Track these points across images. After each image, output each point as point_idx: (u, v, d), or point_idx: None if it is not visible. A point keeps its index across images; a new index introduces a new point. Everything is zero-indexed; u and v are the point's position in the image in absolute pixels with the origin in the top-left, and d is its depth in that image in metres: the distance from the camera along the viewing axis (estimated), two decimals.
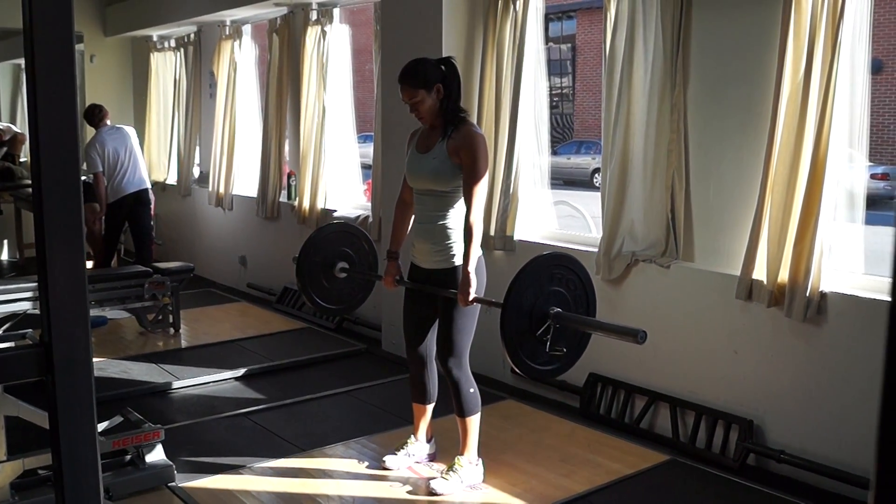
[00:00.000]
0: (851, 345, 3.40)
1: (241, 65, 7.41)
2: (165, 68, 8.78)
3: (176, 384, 4.84)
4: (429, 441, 3.76)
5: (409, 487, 3.53)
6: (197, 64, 8.09)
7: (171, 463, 3.55)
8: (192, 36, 8.14)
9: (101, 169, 6.32)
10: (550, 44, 20.56)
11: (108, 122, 6.57)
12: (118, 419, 3.61)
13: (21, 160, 8.64)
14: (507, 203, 4.76)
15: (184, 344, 5.76)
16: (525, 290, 2.95)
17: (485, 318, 3.58)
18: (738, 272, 3.72)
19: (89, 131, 6.66)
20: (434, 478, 3.52)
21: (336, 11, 6.25)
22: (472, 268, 3.24)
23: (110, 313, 5.91)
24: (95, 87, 8.86)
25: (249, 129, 7.49)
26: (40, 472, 3.24)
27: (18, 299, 5.16)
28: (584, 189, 14.87)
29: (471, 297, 3.24)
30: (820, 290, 3.46)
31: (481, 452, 3.57)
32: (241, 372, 5.05)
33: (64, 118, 1.10)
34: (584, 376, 4.38)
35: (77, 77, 1.15)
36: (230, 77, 7.42)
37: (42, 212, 1.10)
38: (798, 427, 3.61)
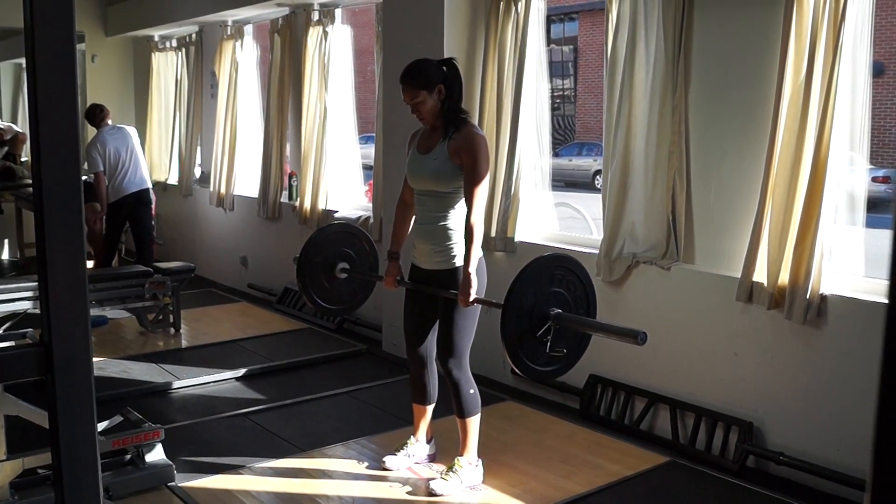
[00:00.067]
0: (851, 347, 3.40)
1: (242, 65, 7.41)
2: (167, 68, 8.78)
3: (176, 384, 4.84)
4: (429, 442, 3.76)
5: (408, 488, 3.53)
6: (198, 64, 8.09)
7: (170, 463, 3.55)
8: (194, 36, 8.14)
9: (102, 169, 6.33)
10: (552, 45, 20.55)
11: (110, 122, 6.58)
12: (118, 419, 3.62)
13: (22, 160, 8.65)
14: (508, 204, 4.76)
15: (184, 344, 5.76)
16: (525, 290, 2.95)
17: (485, 319, 3.58)
18: (738, 274, 3.72)
19: (90, 131, 6.67)
20: (434, 478, 3.52)
21: (338, 12, 6.25)
22: (472, 269, 3.24)
23: (111, 313, 5.92)
24: (97, 87, 8.86)
25: (251, 130, 7.49)
26: (40, 471, 3.24)
27: (19, 298, 5.16)
28: (585, 191, 14.88)
29: (471, 298, 3.24)
30: (820, 292, 3.46)
31: (481, 453, 3.57)
32: (241, 372, 5.05)
33: (65, 118, 1.10)
34: (584, 378, 4.38)
35: (78, 77, 1.16)
36: (232, 77, 7.43)
37: (42, 211, 1.11)
38: (798, 429, 3.60)
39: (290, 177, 6.88)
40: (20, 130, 8.94)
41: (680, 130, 3.97)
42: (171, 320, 5.90)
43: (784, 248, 3.53)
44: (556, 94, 21.79)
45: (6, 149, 8.59)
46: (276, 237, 6.99)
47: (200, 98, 8.12)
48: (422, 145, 3.43)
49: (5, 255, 8.91)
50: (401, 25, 5.25)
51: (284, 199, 6.93)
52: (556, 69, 21.44)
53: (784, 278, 3.54)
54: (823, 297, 3.47)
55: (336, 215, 6.19)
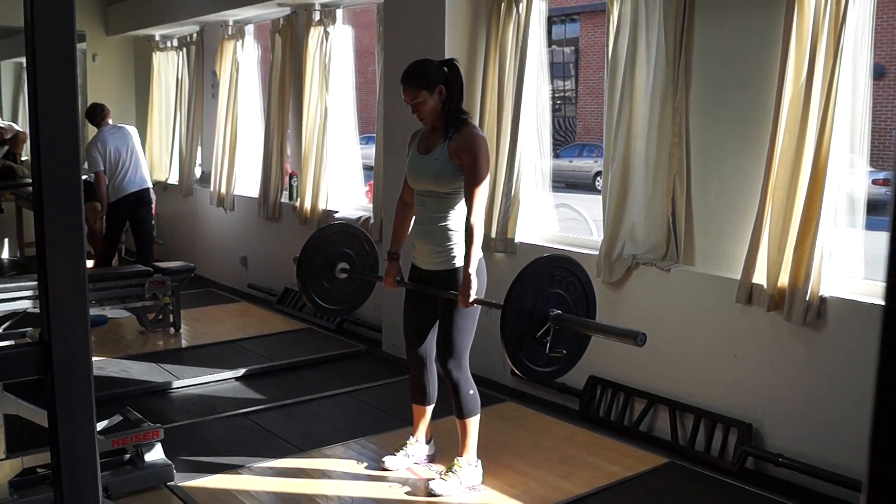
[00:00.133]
0: (851, 349, 3.40)
1: (243, 65, 7.41)
2: (168, 68, 8.79)
3: (176, 384, 4.84)
4: (428, 442, 3.76)
5: (407, 488, 3.53)
6: (199, 64, 8.09)
7: (170, 462, 3.55)
8: (195, 36, 8.14)
9: (102, 168, 6.33)
10: (553, 47, 20.55)
11: (110, 122, 6.58)
12: (117, 418, 3.62)
13: (23, 159, 8.65)
14: (508, 205, 4.76)
15: (184, 343, 5.76)
16: (525, 291, 2.95)
17: (485, 320, 3.58)
18: (738, 276, 3.72)
19: (91, 130, 6.67)
20: (433, 479, 3.52)
21: (339, 12, 6.25)
22: (472, 269, 3.24)
23: (111, 312, 5.92)
24: (97, 87, 8.86)
25: (251, 130, 7.49)
26: (39, 470, 3.24)
27: (18, 298, 5.16)
28: (586, 192, 14.88)
29: (471, 299, 3.24)
30: (820, 294, 3.47)
31: (480, 454, 3.57)
32: (241, 372, 5.05)
33: (65, 117, 1.11)
34: (583, 379, 4.38)
35: (79, 76, 1.16)
36: (232, 77, 7.43)
37: (42, 211, 1.11)
38: (797, 431, 3.60)
39: (291, 177, 6.88)
40: (20, 129, 8.94)
41: (680, 132, 3.97)
42: (171, 320, 5.90)
43: (784, 250, 3.53)
44: (556, 95, 21.78)
45: (6, 148, 8.59)
46: (277, 237, 6.99)
47: (201, 98, 8.12)
48: (422, 146, 3.43)
49: (5, 254, 8.91)
50: (402, 26, 5.25)
51: (285, 199, 6.93)
52: (557, 70, 21.43)
53: (784, 280, 3.55)
54: (823, 299, 3.47)
55: (336, 215, 6.19)
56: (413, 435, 3.73)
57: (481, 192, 3.29)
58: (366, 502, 3.44)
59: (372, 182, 6.13)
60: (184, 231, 8.47)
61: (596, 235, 5.50)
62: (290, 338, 5.90)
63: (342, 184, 6.43)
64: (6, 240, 8.82)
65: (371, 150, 6.13)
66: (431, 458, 3.75)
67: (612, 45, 4.18)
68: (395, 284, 3.61)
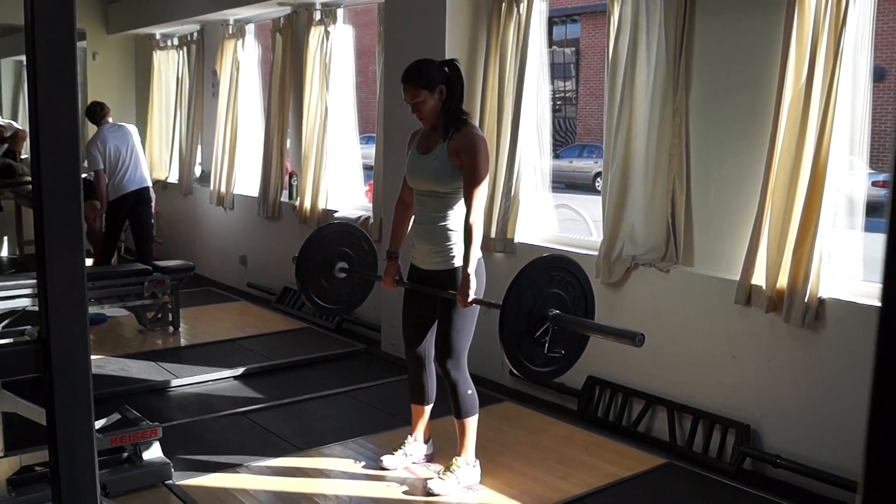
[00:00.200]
0: (849, 351, 3.40)
1: (243, 64, 7.41)
2: (168, 66, 8.79)
3: (174, 382, 4.84)
4: (426, 441, 3.76)
5: (405, 487, 3.53)
6: (200, 63, 8.09)
7: (168, 461, 3.55)
8: (196, 34, 8.14)
9: (102, 166, 6.32)
10: (554, 47, 20.54)
11: (110, 120, 6.58)
12: (116, 416, 3.62)
13: (22, 157, 8.65)
14: (508, 206, 4.76)
15: (183, 342, 5.76)
16: (524, 291, 2.95)
17: (484, 320, 3.58)
18: (737, 277, 3.72)
19: (91, 129, 6.67)
20: (431, 478, 3.52)
21: (340, 12, 6.25)
22: (471, 269, 3.25)
23: (110, 311, 5.92)
24: (97, 85, 8.86)
25: (251, 129, 7.49)
26: (37, 468, 3.24)
27: (17, 296, 5.16)
28: (586, 193, 14.89)
29: (470, 299, 3.24)
30: (818, 296, 3.47)
31: (479, 454, 3.57)
32: (239, 371, 5.05)
33: (65, 115, 1.11)
34: (582, 379, 4.38)
35: (79, 74, 1.16)
36: (233, 76, 7.43)
37: (42, 209, 1.11)
38: (795, 432, 3.61)
39: (291, 176, 6.88)
40: (20, 127, 8.94)
41: (680, 133, 3.97)
42: (170, 319, 5.90)
43: (783, 252, 3.53)
44: (557, 95, 21.78)
45: (6, 146, 8.59)
46: (276, 236, 6.99)
47: (201, 97, 8.12)
48: (422, 145, 3.43)
49: (4, 252, 8.91)
50: (403, 26, 5.25)
51: (284, 198, 6.93)
52: (557, 71, 21.43)
53: (783, 281, 3.55)
54: (822, 301, 3.47)
55: (336, 215, 6.19)
56: (411, 434, 3.73)
57: (480, 193, 3.29)
58: (364, 501, 3.44)
59: (372, 182, 6.14)
60: (183, 230, 8.47)
61: (595, 236, 5.50)
62: (288, 337, 5.90)
63: (342, 183, 6.43)
64: (5, 238, 8.83)
65: (371, 150, 6.13)
66: (430, 458, 3.76)
67: (613, 46, 4.18)
68: (393, 284, 3.62)
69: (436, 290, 3.40)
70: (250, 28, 7.44)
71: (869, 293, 3.43)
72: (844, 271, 3.56)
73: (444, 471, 3.51)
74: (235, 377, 5.00)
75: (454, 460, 3.51)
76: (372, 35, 6.03)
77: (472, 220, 3.26)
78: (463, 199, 3.32)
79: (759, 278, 3.63)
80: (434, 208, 3.39)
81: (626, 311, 4.18)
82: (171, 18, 7.91)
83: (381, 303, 5.47)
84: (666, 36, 3.93)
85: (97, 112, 6.51)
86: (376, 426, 4.20)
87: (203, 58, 8.06)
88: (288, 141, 6.90)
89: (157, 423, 3.58)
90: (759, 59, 3.70)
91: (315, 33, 6.31)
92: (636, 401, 4.20)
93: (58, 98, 1.10)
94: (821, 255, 3.45)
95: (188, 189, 8.28)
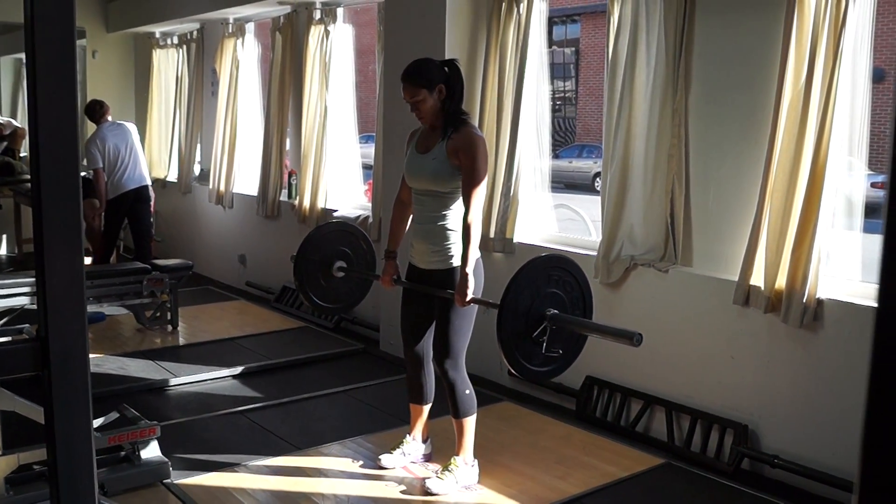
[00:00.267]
0: (847, 351, 3.40)
1: (243, 63, 7.41)
2: (167, 65, 8.78)
3: (173, 381, 4.84)
4: (425, 441, 3.76)
5: (403, 487, 3.53)
6: (199, 61, 8.09)
7: (166, 460, 3.55)
8: (195, 33, 8.14)
9: (101, 165, 6.32)
10: (554, 47, 20.54)
11: (110, 119, 6.58)
12: (114, 415, 3.61)
13: (21, 155, 8.64)
14: (507, 205, 4.76)
15: (181, 341, 5.76)
16: (522, 291, 2.95)
17: (482, 320, 3.58)
18: (736, 278, 3.72)
19: (90, 127, 6.67)
20: (429, 478, 3.52)
21: (340, 11, 6.25)
22: (469, 269, 3.24)
23: (108, 309, 5.92)
24: (97, 83, 8.86)
25: (251, 128, 7.49)
26: (35, 467, 3.23)
27: (16, 294, 5.16)
28: (585, 193, 14.89)
29: (468, 298, 3.24)
30: (817, 296, 3.47)
31: (477, 453, 3.57)
32: (238, 370, 5.05)
33: (64, 114, 1.11)
34: (580, 379, 4.38)
35: (78, 73, 1.16)
36: (232, 75, 7.43)
37: (41, 207, 1.11)
38: (793, 432, 3.61)
39: (290, 175, 6.88)
40: (19, 126, 8.93)
41: (679, 133, 3.97)
42: (169, 317, 5.90)
43: (782, 252, 3.54)
44: (557, 95, 21.78)
45: (5, 144, 8.59)
46: (275, 236, 6.99)
47: (201, 95, 8.12)
48: (420, 145, 3.43)
49: (3, 251, 8.90)
50: (402, 25, 5.25)
51: (284, 197, 6.93)
52: (557, 71, 21.42)
53: (781, 282, 3.55)
54: (820, 302, 3.48)
55: (335, 214, 6.19)
56: (410, 434, 3.73)
57: (479, 192, 3.29)
58: (362, 501, 3.44)
59: (371, 181, 6.14)
60: (182, 229, 8.46)
61: (594, 236, 5.51)
62: (287, 336, 5.90)
63: (341, 182, 6.43)
64: (4, 236, 8.82)
65: (370, 150, 6.13)
66: (428, 457, 3.76)
67: (613, 46, 4.18)
68: (392, 283, 3.62)
69: (434, 290, 3.40)
70: (250, 27, 7.44)
71: (867, 294, 3.43)
72: (843, 272, 3.57)
73: (443, 470, 3.51)
74: (234, 376, 5.00)
75: (452, 460, 3.51)
76: (372, 34, 6.03)
77: (470, 219, 3.26)
78: (461, 199, 3.32)
79: (757, 279, 3.64)
80: (433, 208, 3.39)
81: (624, 312, 4.18)
82: (171, 17, 7.91)
83: (379, 302, 5.47)
84: (665, 36, 3.93)
85: (96, 110, 6.51)
86: (375, 425, 4.20)
87: (203, 56, 8.06)
88: (287, 140, 6.90)
89: (155, 422, 3.58)
90: (759, 59, 3.70)
91: (315, 32, 6.31)
92: (634, 401, 4.20)
93: (57, 96, 1.10)
94: (819, 256, 3.45)
95: (187, 188, 8.27)
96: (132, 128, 6.63)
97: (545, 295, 2.99)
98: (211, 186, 7.75)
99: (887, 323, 0.64)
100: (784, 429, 3.65)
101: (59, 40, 1.09)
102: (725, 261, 3.86)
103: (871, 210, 3.64)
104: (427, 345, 3.56)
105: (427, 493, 3.44)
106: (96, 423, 3.44)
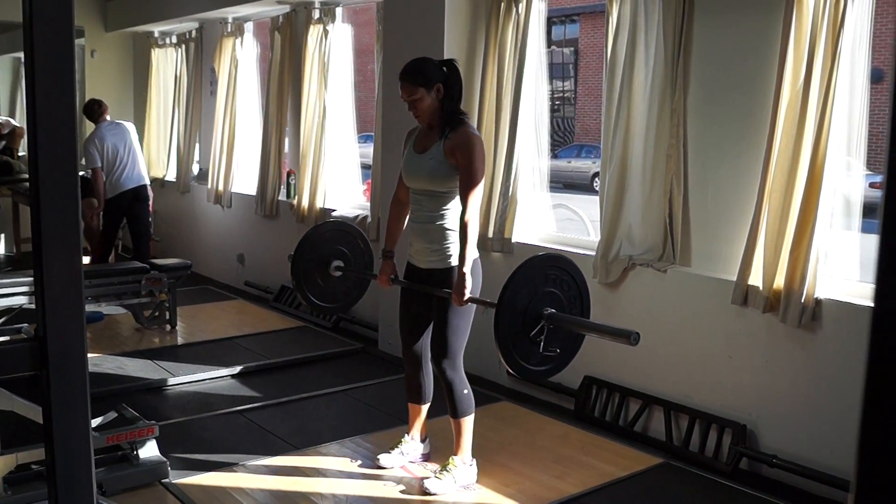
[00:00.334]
0: (846, 351, 3.40)
1: (242, 62, 7.41)
2: (166, 64, 8.78)
3: (171, 381, 4.84)
4: (423, 441, 3.76)
5: (402, 486, 3.53)
6: (198, 61, 8.08)
7: (164, 459, 3.55)
8: (194, 32, 8.14)
9: (99, 164, 6.32)
10: (553, 47, 20.53)
11: (108, 118, 6.57)
12: (112, 415, 3.61)
13: (20, 154, 8.64)
14: (505, 205, 4.76)
15: (180, 341, 5.76)
16: (519, 290, 2.95)
17: (480, 319, 3.58)
18: (734, 277, 3.73)
19: (88, 126, 6.66)
20: (428, 477, 3.52)
21: (339, 11, 6.25)
22: (467, 268, 3.24)
23: (107, 309, 5.92)
24: (95, 83, 8.85)
25: (249, 127, 7.49)
26: (33, 466, 3.23)
27: (14, 293, 5.15)
28: (584, 193, 14.89)
29: (465, 298, 3.24)
30: (815, 296, 3.47)
31: (475, 453, 3.57)
32: (237, 369, 5.05)
33: (62, 113, 1.11)
34: (578, 379, 4.38)
35: (77, 72, 1.16)
36: (231, 74, 7.43)
37: (39, 207, 1.11)
38: (791, 432, 3.61)
39: (289, 175, 6.88)
40: (18, 125, 8.93)
41: (678, 133, 3.97)
42: (167, 317, 5.90)
43: (780, 252, 3.54)
44: (555, 95, 21.78)
45: (3, 143, 8.58)
46: (274, 235, 6.99)
47: (199, 95, 8.12)
48: (418, 144, 3.43)
49: (1, 250, 8.90)
50: (401, 25, 5.25)
51: (282, 197, 6.93)
52: (556, 71, 21.42)
53: (779, 282, 3.55)
54: (818, 301, 3.48)
55: (333, 214, 6.19)
56: (408, 433, 3.73)
57: (476, 192, 3.29)
58: (360, 500, 3.44)
59: (369, 181, 6.14)
60: (181, 228, 8.46)
61: (593, 236, 5.51)
62: (286, 336, 5.90)
63: (340, 182, 6.43)
64: (2, 235, 8.81)
65: (369, 149, 6.13)
66: (426, 457, 3.76)
67: (611, 46, 4.18)
68: (389, 282, 3.62)
69: (432, 289, 3.40)
70: (249, 26, 7.43)
71: (865, 294, 3.43)
72: (841, 272, 3.57)
73: (441, 470, 3.51)
74: (232, 376, 5.00)
75: (451, 459, 3.51)
76: (370, 34, 6.03)
77: (467, 218, 3.26)
78: (459, 198, 3.32)
79: (756, 279, 3.64)
80: (430, 207, 3.39)
81: (623, 311, 4.18)
82: (170, 16, 7.91)
83: (378, 302, 5.47)
84: (664, 36, 3.93)
85: (95, 110, 6.51)
86: (373, 425, 4.20)
87: (201, 56, 8.05)
88: (286, 139, 6.90)
89: (153, 422, 3.58)
90: (758, 59, 3.70)
91: (314, 32, 6.31)
92: (633, 400, 4.20)
93: (55, 95, 1.10)
94: (818, 256, 3.45)
95: (186, 187, 8.27)
96: (131, 127, 6.63)
97: (543, 294, 2.99)
98: (209, 186, 7.75)
99: (883, 322, 0.65)
100: (782, 428, 3.65)
101: (57, 39, 1.09)
102: (724, 261, 3.86)
103: (869, 210, 3.64)
104: (425, 344, 3.56)
105: (425, 492, 3.44)
106: (94, 422, 3.44)
